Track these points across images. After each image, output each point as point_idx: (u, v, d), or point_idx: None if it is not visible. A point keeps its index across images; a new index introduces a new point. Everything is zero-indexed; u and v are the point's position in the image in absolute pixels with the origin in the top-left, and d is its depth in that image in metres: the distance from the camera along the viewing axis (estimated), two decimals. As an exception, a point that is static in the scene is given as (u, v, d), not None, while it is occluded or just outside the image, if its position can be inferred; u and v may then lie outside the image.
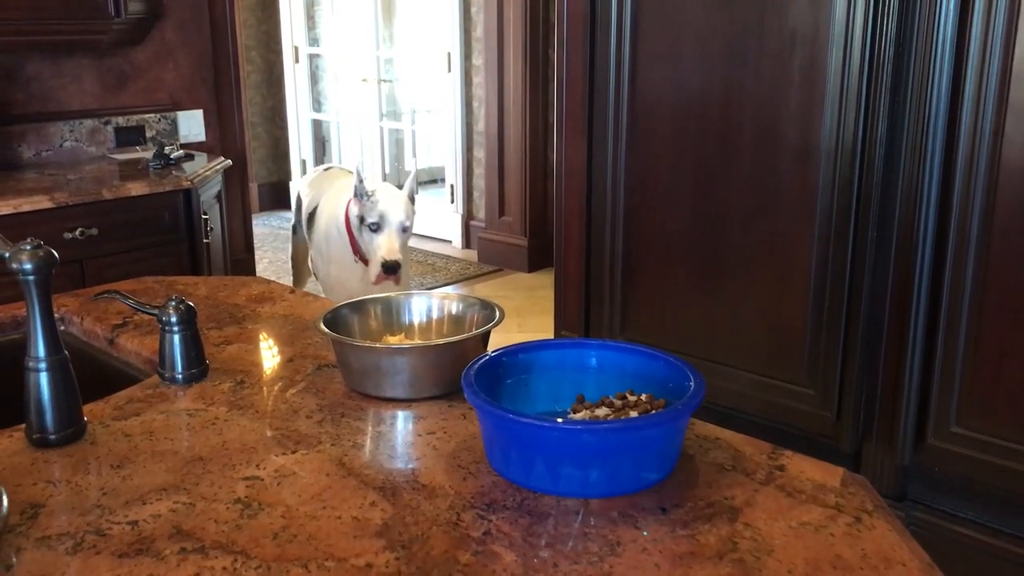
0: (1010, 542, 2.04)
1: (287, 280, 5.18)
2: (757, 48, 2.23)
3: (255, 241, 4.59)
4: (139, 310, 1.30)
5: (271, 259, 5.76)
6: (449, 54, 5.73)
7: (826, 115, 2.13)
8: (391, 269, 2.77)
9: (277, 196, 7.13)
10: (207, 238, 3.10)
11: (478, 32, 5.50)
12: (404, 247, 2.81)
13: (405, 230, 2.81)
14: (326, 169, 3.77)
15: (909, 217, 2.04)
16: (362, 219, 2.85)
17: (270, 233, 6.43)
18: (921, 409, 2.12)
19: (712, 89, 2.34)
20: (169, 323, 1.24)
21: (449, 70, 5.75)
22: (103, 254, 2.81)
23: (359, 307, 1.32)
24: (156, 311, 1.26)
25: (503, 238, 5.47)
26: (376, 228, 2.77)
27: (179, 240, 3.01)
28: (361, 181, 2.83)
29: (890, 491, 2.18)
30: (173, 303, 1.24)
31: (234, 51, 3.88)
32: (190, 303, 1.26)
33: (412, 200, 2.95)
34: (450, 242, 6.04)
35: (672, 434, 0.98)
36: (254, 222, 4.63)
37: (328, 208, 3.29)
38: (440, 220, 6.13)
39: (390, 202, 2.81)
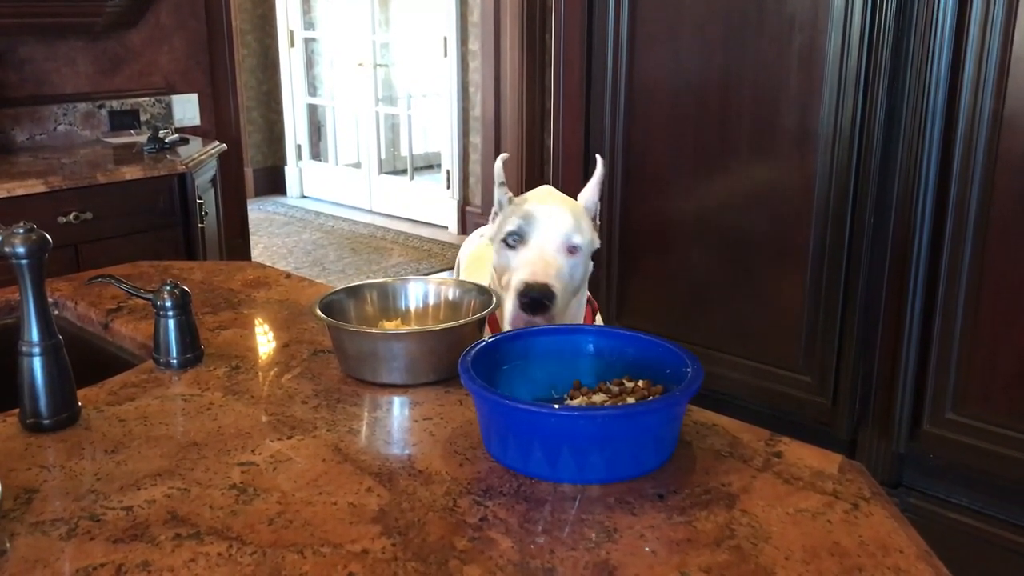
0: (1004, 528, 2.05)
1: (282, 265, 5.17)
2: (756, 32, 2.22)
3: (250, 226, 4.58)
4: (133, 295, 1.30)
5: (266, 244, 5.75)
6: (445, 39, 5.70)
7: (824, 99, 2.13)
8: (536, 302, 1.30)
9: (272, 181, 7.11)
10: (202, 223, 3.08)
11: (475, 17, 5.47)
12: (565, 276, 1.34)
13: (572, 250, 1.37)
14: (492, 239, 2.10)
15: (907, 202, 2.04)
16: (496, 236, 1.43)
17: (265, 218, 6.41)
18: (917, 396, 2.12)
19: (711, 73, 2.33)
20: (164, 308, 1.24)
21: (445, 55, 5.73)
22: (97, 238, 2.79)
23: (355, 292, 1.31)
24: (151, 296, 1.25)
25: (499, 224, 5.46)
26: (517, 240, 1.37)
27: (174, 225, 3.00)
28: (501, 184, 1.46)
29: (885, 478, 2.19)
30: (168, 288, 1.24)
31: (229, 34, 3.86)
32: (185, 288, 1.26)
33: (594, 219, 1.48)
34: (446, 228, 6.03)
35: (669, 420, 0.97)
36: (249, 207, 4.61)
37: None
38: (436, 206, 6.12)
39: (547, 202, 1.41)
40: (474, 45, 5.54)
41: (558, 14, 2.62)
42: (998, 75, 1.88)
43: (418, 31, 6.49)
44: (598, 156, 1.50)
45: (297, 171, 7.06)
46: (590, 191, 1.49)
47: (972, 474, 2.08)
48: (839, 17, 2.06)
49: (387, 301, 1.32)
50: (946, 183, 1.99)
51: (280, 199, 7.01)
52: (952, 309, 2.03)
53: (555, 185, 2.77)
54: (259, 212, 6.51)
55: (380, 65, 6.59)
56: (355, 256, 5.53)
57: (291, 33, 6.80)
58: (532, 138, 5.28)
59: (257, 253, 5.36)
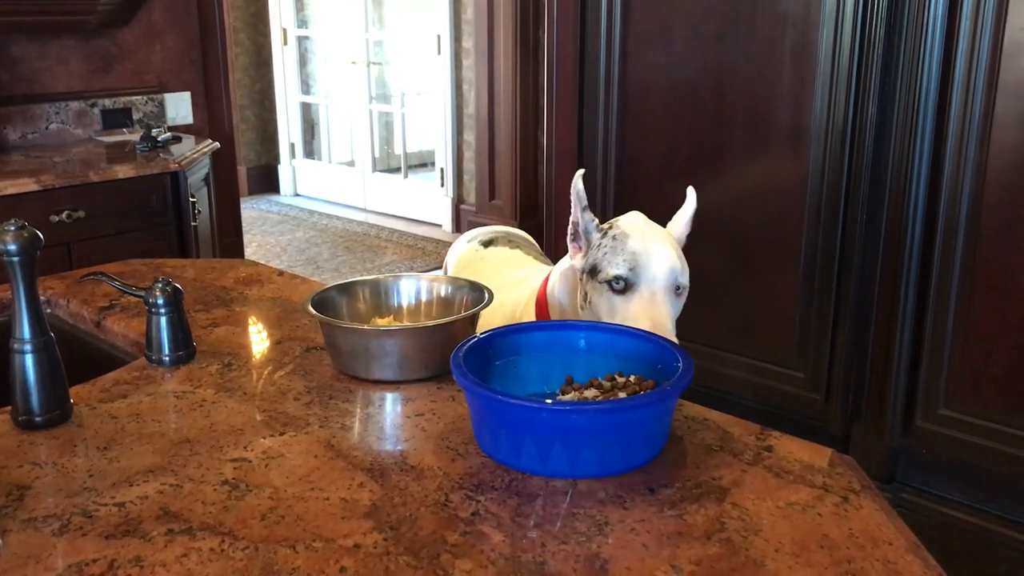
0: (996, 523, 2.05)
1: (276, 264, 5.17)
2: (749, 29, 2.22)
3: (243, 225, 4.57)
4: (126, 292, 1.29)
5: (259, 243, 5.74)
6: (439, 36, 5.70)
7: (817, 96, 2.13)
8: None
9: (265, 179, 7.10)
10: (195, 221, 3.08)
11: (468, 14, 5.47)
12: (674, 321, 1.30)
13: (678, 291, 1.32)
14: (485, 244, 1.99)
15: (899, 199, 2.04)
16: (594, 272, 1.30)
17: (259, 217, 6.40)
18: (910, 391, 2.13)
19: (704, 70, 2.33)
20: (156, 305, 1.24)
21: (439, 52, 5.72)
22: (90, 237, 2.79)
23: (348, 289, 1.32)
24: (143, 293, 1.25)
25: (494, 222, 5.45)
26: (625, 286, 1.26)
27: (167, 223, 2.99)
28: (585, 208, 1.34)
29: (878, 473, 2.20)
30: (160, 285, 1.24)
31: (222, 33, 3.85)
32: (177, 285, 1.26)
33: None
34: (440, 226, 6.03)
35: (660, 415, 0.98)
36: (242, 206, 4.61)
37: (497, 313, 1.50)
38: (430, 204, 6.11)
39: (651, 239, 1.29)
40: (468, 43, 5.54)
41: (551, 11, 2.62)
42: (989, 71, 1.89)
43: (412, 29, 6.49)
44: (691, 189, 1.38)
45: (291, 169, 7.06)
46: (683, 226, 1.38)
47: (965, 469, 2.09)
48: (831, 13, 2.07)
49: (379, 298, 1.32)
50: (938, 179, 2.00)
51: (273, 197, 7.00)
52: (944, 305, 2.04)
53: (548, 182, 2.77)
54: (252, 210, 6.50)
55: (374, 63, 6.59)
56: (349, 254, 5.52)
57: (284, 31, 6.79)
58: (526, 135, 5.28)
59: (250, 252, 5.35)
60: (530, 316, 1.49)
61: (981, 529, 2.07)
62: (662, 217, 1.38)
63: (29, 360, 1.05)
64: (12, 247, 1.02)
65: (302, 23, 6.85)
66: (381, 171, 6.68)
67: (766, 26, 2.19)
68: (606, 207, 2.58)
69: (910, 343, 2.10)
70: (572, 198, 1.31)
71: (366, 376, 1.19)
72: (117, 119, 3.50)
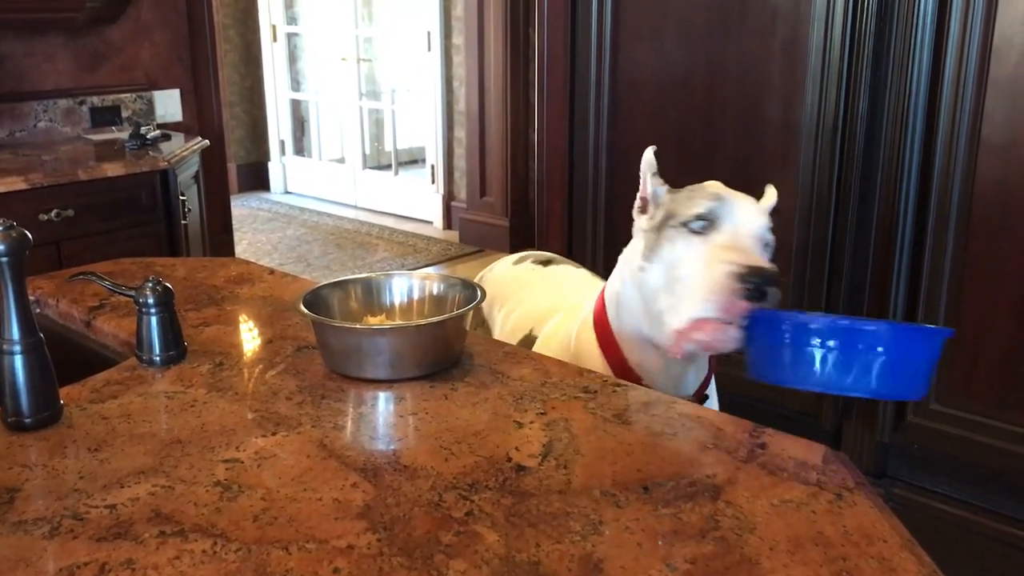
0: (988, 517, 2.06)
1: (266, 262, 5.15)
2: (739, 25, 2.22)
3: (234, 222, 4.54)
4: (115, 292, 1.29)
5: (250, 240, 5.72)
6: (429, 33, 5.69)
7: (808, 92, 2.13)
8: (762, 287, 1.16)
9: (256, 177, 7.07)
10: (185, 219, 3.06)
11: (458, 11, 5.46)
12: None
13: (767, 247, 1.26)
14: (543, 263, 1.81)
15: (889, 195, 2.05)
16: (666, 221, 1.23)
17: (249, 214, 6.38)
18: (901, 386, 2.13)
19: (695, 66, 2.33)
20: (146, 305, 1.23)
21: (429, 49, 5.71)
22: (79, 236, 2.77)
23: (339, 288, 1.31)
24: (133, 292, 1.24)
25: (484, 219, 5.45)
26: (706, 225, 1.18)
27: (156, 221, 2.97)
28: (655, 174, 1.32)
29: (870, 468, 2.20)
30: (150, 284, 1.23)
31: (211, 29, 3.83)
32: (167, 284, 1.25)
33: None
34: (431, 223, 6.02)
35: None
36: (232, 203, 4.58)
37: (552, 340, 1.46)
38: (421, 201, 6.10)
39: (732, 192, 1.24)
40: (458, 39, 5.52)
41: (542, 8, 2.62)
42: (979, 67, 1.89)
43: (402, 25, 6.47)
44: (770, 186, 1.32)
45: (281, 167, 7.03)
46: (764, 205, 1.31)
47: (956, 464, 2.09)
48: (821, 9, 2.07)
49: (371, 296, 1.32)
50: (928, 174, 2.00)
51: (264, 195, 6.98)
52: (935, 300, 2.04)
53: (538, 179, 2.77)
54: (243, 208, 6.48)
55: (364, 60, 6.57)
56: (340, 252, 5.51)
57: (273, 28, 6.77)
58: (516, 132, 5.27)
59: (241, 249, 5.33)
60: (587, 340, 1.35)
61: (972, 523, 2.08)
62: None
63: (18, 361, 1.04)
64: (0, 247, 1.01)
65: (291, 20, 6.83)
66: (371, 168, 6.67)
67: (756, 22, 2.19)
68: (598, 203, 2.58)
69: (901, 338, 2.10)
70: (643, 169, 1.31)
71: (358, 375, 1.18)
72: (106, 117, 3.48)
